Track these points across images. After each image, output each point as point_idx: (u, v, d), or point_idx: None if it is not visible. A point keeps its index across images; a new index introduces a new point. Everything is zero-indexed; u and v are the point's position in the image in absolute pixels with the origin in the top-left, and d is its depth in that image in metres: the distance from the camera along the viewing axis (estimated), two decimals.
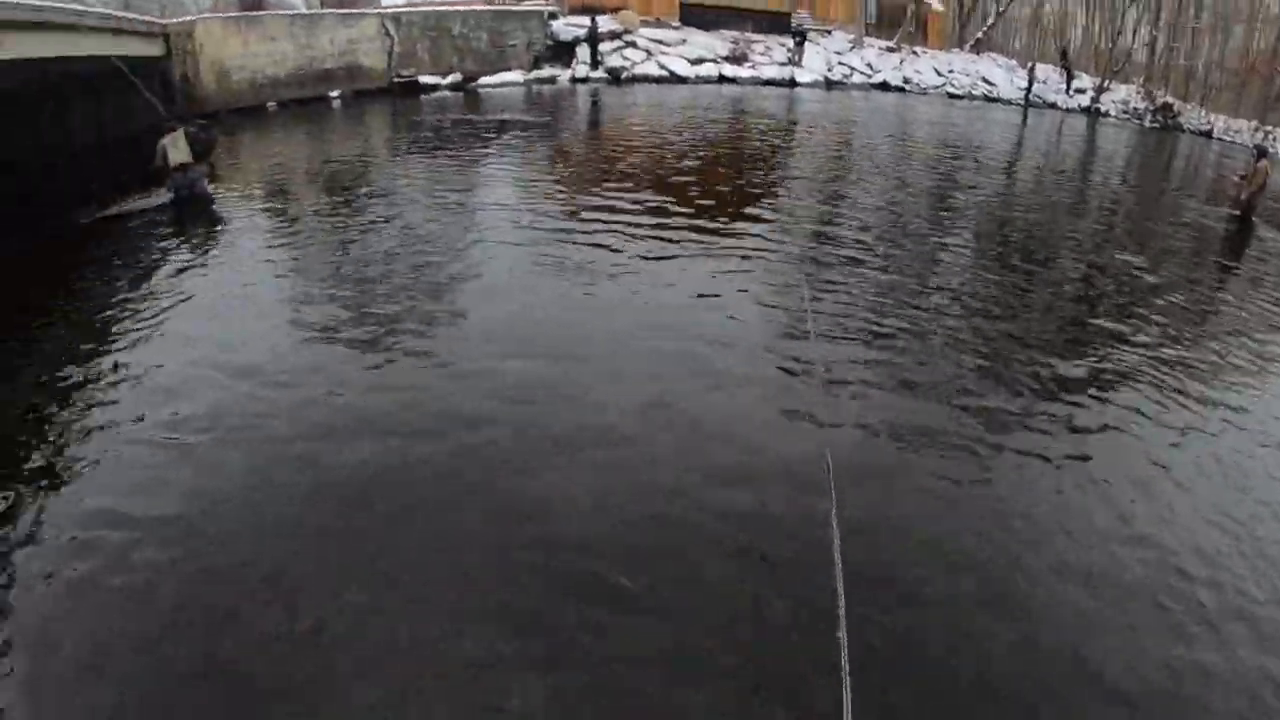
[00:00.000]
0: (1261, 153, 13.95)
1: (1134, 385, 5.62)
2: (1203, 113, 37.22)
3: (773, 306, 6.16)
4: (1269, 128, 39.88)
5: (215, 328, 5.72)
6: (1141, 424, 5.07)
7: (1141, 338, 6.52)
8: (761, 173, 11.10)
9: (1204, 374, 5.99)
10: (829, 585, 3.17)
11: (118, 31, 13.48)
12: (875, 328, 6.00)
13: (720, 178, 10.47)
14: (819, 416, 4.61)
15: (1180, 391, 5.58)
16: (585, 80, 18.84)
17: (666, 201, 8.92)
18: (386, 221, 8.23)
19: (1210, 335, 6.99)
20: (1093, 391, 5.43)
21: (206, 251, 7.60)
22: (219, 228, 8.49)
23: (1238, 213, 13.50)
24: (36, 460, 4.12)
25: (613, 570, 3.33)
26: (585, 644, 3.01)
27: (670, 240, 7.59)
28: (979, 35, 30.77)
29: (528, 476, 3.94)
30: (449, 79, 18.79)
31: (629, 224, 7.98)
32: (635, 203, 8.77)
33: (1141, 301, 7.60)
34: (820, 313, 6.06)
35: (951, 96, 23.54)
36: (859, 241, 8.28)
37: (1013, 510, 4.02)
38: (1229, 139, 36.87)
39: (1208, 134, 35.80)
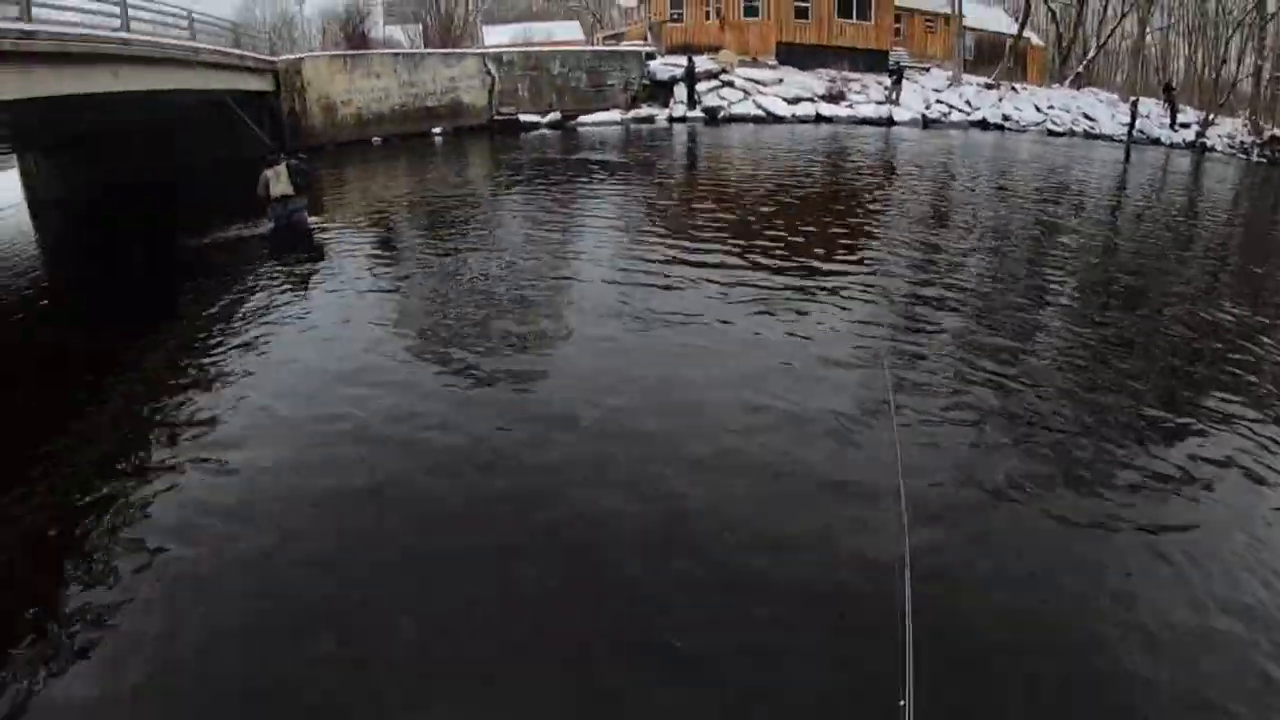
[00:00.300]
0: None
1: (1241, 450, 5.08)
2: None
3: (849, 366, 5.85)
4: None
5: (307, 353, 6.08)
6: (1249, 491, 4.63)
7: (1253, 397, 6.02)
8: (856, 218, 10.95)
9: None
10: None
11: (231, 68, 14.53)
12: (965, 391, 5.67)
13: (814, 223, 10.37)
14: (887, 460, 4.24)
15: None
16: (683, 119, 19.30)
17: (756, 247, 8.84)
18: (482, 257, 8.40)
19: None
20: (1197, 455, 4.97)
21: (304, 281, 8.01)
22: (317, 258, 8.87)
23: None
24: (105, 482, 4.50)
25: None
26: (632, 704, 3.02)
27: (758, 288, 7.44)
28: (1079, 70, 30.45)
29: (595, 526, 3.97)
30: (548, 117, 19.46)
31: (717, 271, 7.91)
32: (725, 249, 8.72)
33: (1253, 358, 7.02)
34: (903, 381, 5.64)
35: (1051, 134, 23.35)
36: (953, 291, 8.01)
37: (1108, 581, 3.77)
38: None
39: None
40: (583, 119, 19.57)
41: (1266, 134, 32.50)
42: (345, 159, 15.99)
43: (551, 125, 19.44)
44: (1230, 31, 33.86)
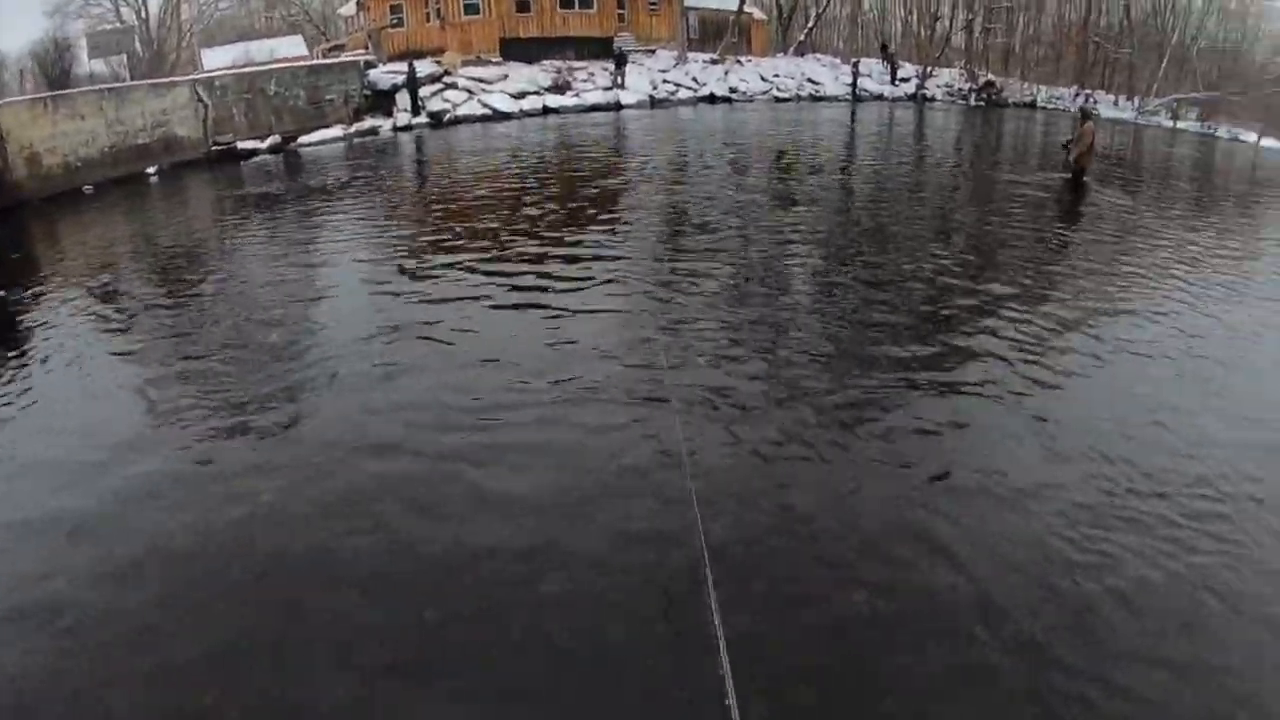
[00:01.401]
0: (1085, 115, 15.96)
1: (995, 351, 6.36)
2: (1024, 85, 41.81)
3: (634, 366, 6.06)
4: (1087, 90, 45.15)
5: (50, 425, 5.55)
6: (1011, 382, 5.78)
7: (997, 305, 7.44)
8: (595, 203, 11.35)
9: (1057, 336, 6.78)
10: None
11: None
12: (732, 337, 6.47)
13: (554, 216, 10.67)
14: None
15: (1038, 359, 6.27)
16: (408, 128, 19.70)
17: (503, 245, 9.11)
18: (213, 300, 8.02)
19: (1057, 292, 8.01)
20: (961, 359, 6.16)
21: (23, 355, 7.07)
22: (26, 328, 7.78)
23: (1069, 175, 15.38)
24: None
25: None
26: None
27: (517, 280, 7.80)
28: (801, 38, 33.90)
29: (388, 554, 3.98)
30: (268, 142, 19.40)
31: (471, 274, 8.10)
32: (474, 252, 8.87)
33: (992, 269, 8.65)
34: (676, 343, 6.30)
35: (778, 100, 25.94)
36: (707, 250, 8.87)
37: (907, 468, 4.61)
38: (1051, 106, 41.52)
39: (1031, 105, 40.13)
40: (304, 139, 19.69)
41: (981, 80, 37.63)
42: (55, 214, 15.13)
43: (272, 149, 19.37)
44: None
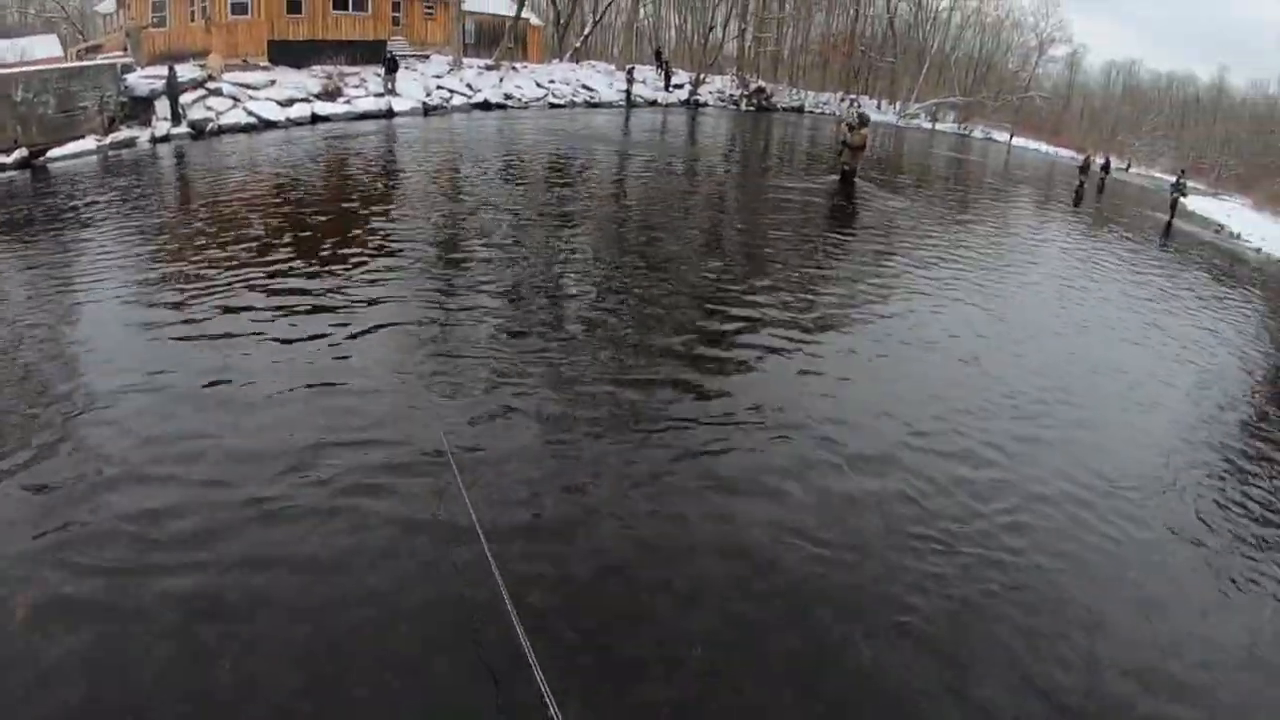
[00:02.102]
0: (864, 120, 18.26)
1: (770, 328, 8.14)
2: (793, 91, 46.29)
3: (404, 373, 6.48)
4: (852, 95, 50.40)
5: None
6: (783, 355, 7.49)
7: (768, 296, 9.14)
8: (363, 220, 11.20)
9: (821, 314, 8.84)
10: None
11: None
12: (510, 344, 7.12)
13: (322, 233, 10.49)
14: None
15: (807, 328, 8.25)
16: (167, 139, 19.30)
17: (271, 275, 8.68)
18: None
19: (827, 279, 10.09)
20: (735, 340, 7.72)
21: None
22: None
23: (840, 176, 17.95)
24: None
25: None
26: None
27: (295, 299, 7.86)
28: (577, 45, 36.27)
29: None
30: (14, 156, 17.99)
31: (231, 313, 7.63)
32: (233, 286, 8.32)
33: (765, 265, 10.55)
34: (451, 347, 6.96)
35: (553, 107, 27.83)
36: (485, 261, 9.48)
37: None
38: (818, 111, 46.17)
39: (799, 109, 44.47)
40: (54, 153, 18.78)
41: (752, 86, 41.42)
42: None
43: (19, 165, 18.03)
44: (717, 1, 42.53)
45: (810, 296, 9.49)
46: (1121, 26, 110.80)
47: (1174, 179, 28.70)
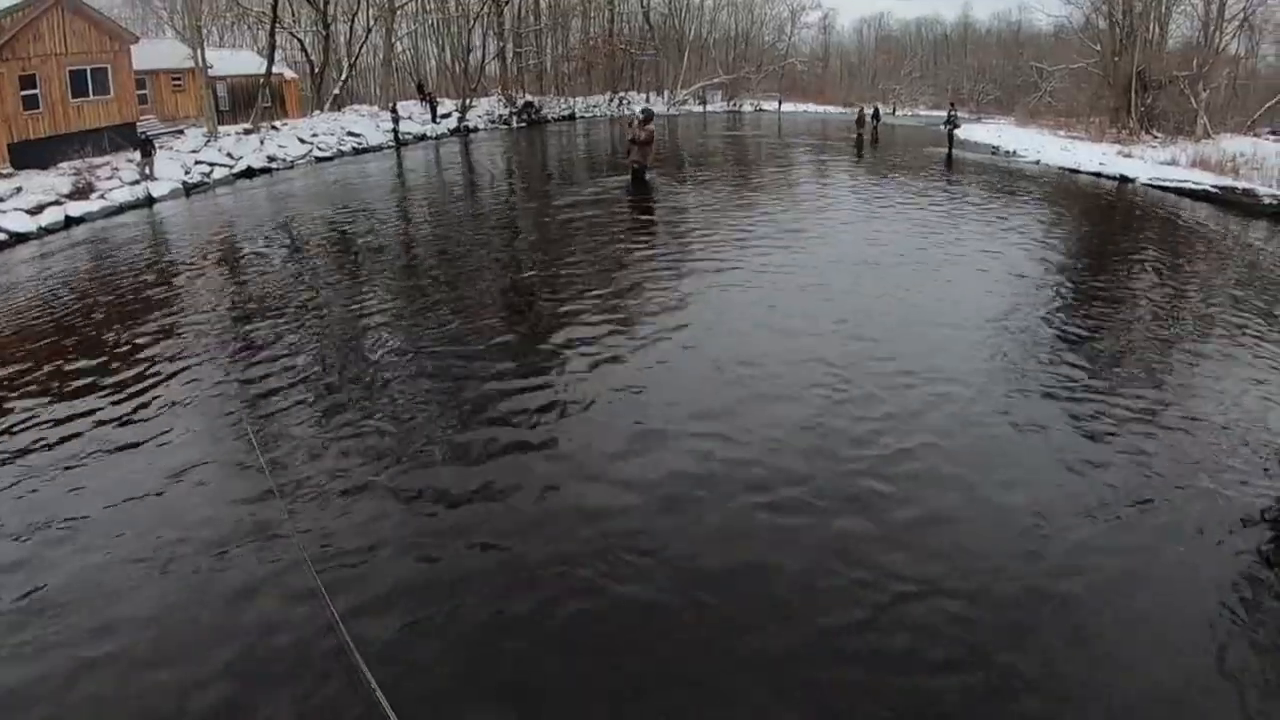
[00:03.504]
0: (648, 116, 19.08)
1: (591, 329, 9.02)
2: (562, 100, 48.08)
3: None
4: (621, 94, 52.65)
5: None
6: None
7: (579, 296, 10.18)
8: (142, 330, 10.06)
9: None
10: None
11: None
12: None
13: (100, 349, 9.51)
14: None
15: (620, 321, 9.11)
16: None
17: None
18: None
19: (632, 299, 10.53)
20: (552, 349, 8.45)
21: None
22: None
23: (631, 174, 18.97)
24: None
25: None
26: None
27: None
28: (336, 92, 36.57)
29: None
30: None
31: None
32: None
33: (571, 274, 11.44)
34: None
35: (321, 160, 27.93)
36: (303, 347, 9.04)
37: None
38: (590, 115, 48.14)
39: (571, 117, 46.29)
40: None
41: (520, 102, 42.82)
42: None
43: None
44: (471, 24, 43.49)
45: (623, 302, 10.22)
46: None
47: (945, 114, 32.10)
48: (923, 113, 71.06)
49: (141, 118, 27.53)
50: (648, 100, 53.89)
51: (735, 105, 60.58)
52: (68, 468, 6.47)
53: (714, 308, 9.90)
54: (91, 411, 7.60)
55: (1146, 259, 13.82)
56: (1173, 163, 26.29)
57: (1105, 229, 17.07)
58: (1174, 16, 37.21)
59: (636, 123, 19.08)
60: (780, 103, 65.48)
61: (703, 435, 6.52)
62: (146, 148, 23.71)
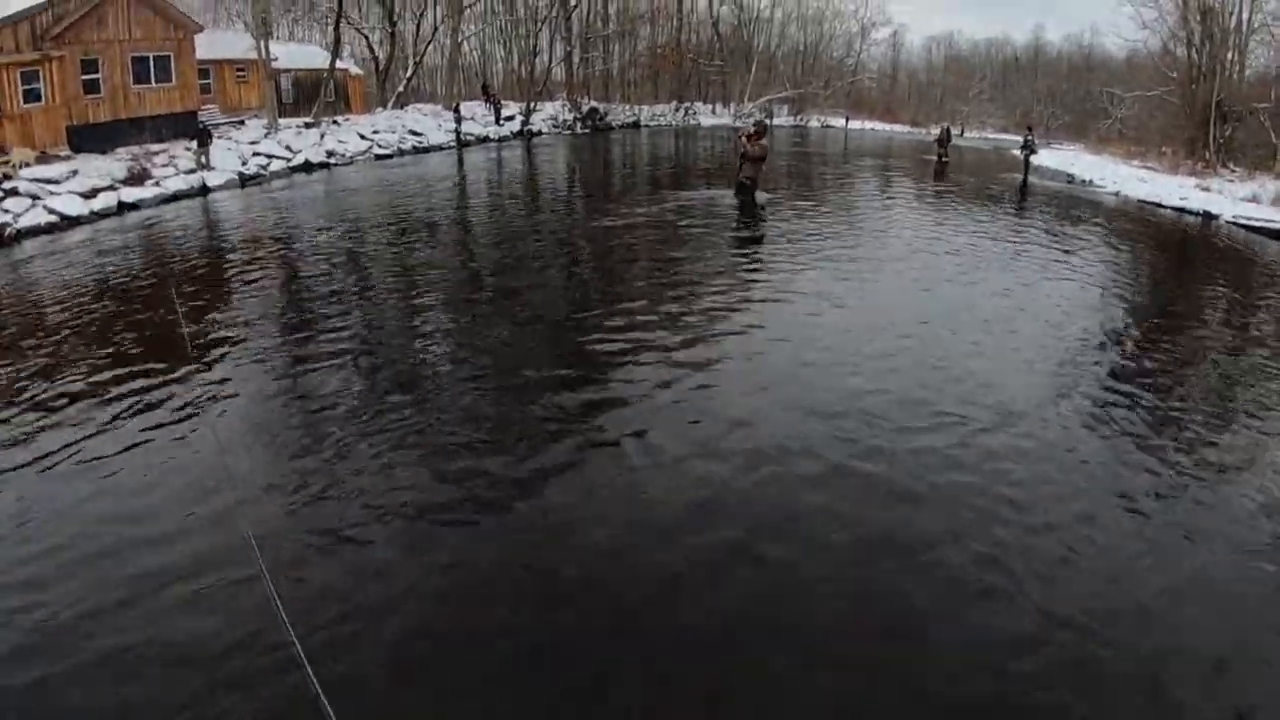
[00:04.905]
0: (760, 130, 17.56)
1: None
2: (627, 108, 47.10)
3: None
4: (687, 104, 51.55)
5: None
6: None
7: (653, 304, 9.89)
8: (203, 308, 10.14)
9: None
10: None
11: None
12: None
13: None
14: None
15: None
16: None
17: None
18: None
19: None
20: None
21: None
22: None
23: (738, 186, 17.66)
24: None
25: None
26: None
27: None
28: (400, 90, 36.01)
29: None
30: None
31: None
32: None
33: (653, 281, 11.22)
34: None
35: (379, 158, 27.34)
36: (348, 350, 8.56)
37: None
38: (654, 124, 47.11)
39: (635, 125, 45.27)
40: None
41: (585, 108, 41.93)
42: None
43: None
44: (539, 27, 42.78)
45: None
46: (938, 3, 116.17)
47: (1022, 138, 30.57)
48: (990, 135, 69.07)
49: (203, 107, 26.95)
50: (713, 112, 52.81)
51: (802, 120, 59.11)
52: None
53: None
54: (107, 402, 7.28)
55: (1238, 302, 12.98)
56: (1254, 199, 24.47)
57: (1197, 271, 15.77)
58: (1252, 45, 35.02)
59: (748, 135, 17.57)
60: (847, 120, 63.90)
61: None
62: (203, 137, 23.33)
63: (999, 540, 5.24)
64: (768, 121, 21.46)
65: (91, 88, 24.60)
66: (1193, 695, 4.09)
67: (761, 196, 17.97)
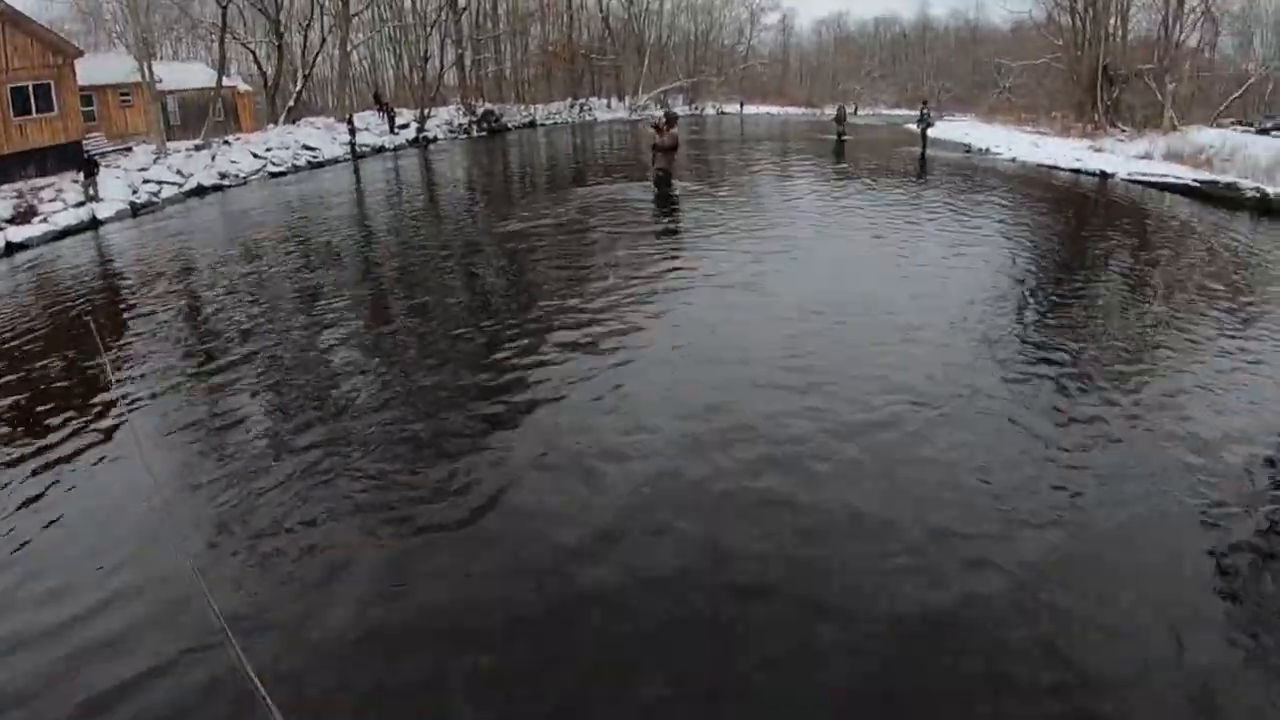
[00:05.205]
0: (670, 120, 17.99)
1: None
2: (522, 108, 47.34)
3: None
4: (582, 100, 51.98)
5: None
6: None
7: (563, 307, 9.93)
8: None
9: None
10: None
11: None
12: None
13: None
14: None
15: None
16: None
17: None
18: None
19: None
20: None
21: None
22: None
23: (656, 179, 18.07)
24: None
25: None
26: None
27: None
28: (291, 104, 35.60)
29: None
30: None
31: None
32: None
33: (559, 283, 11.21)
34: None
35: (274, 175, 26.91)
36: (261, 376, 8.42)
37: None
38: (550, 122, 47.46)
39: (531, 124, 45.62)
40: None
41: (480, 110, 42.04)
42: None
43: None
44: (428, 31, 42.63)
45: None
46: None
47: (918, 113, 31.86)
48: (884, 112, 71.22)
49: (88, 135, 26.42)
50: (609, 106, 53.37)
51: (697, 109, 60.15)
52: None
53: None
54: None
55: (1140, 254, 14.00)
56: (1146, 156, 26.14)
57: (1100, 228, 16.74)
58: (1133, 10, 37.20)
59: (659, 126, 17.90)
60: (742, 105, 65.24)
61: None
62: (90, 167, 22.74)
63: (948, 501, 5.54)
64: (676, 111, 21.71)
65: None
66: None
67: (677, 185, 18.39)
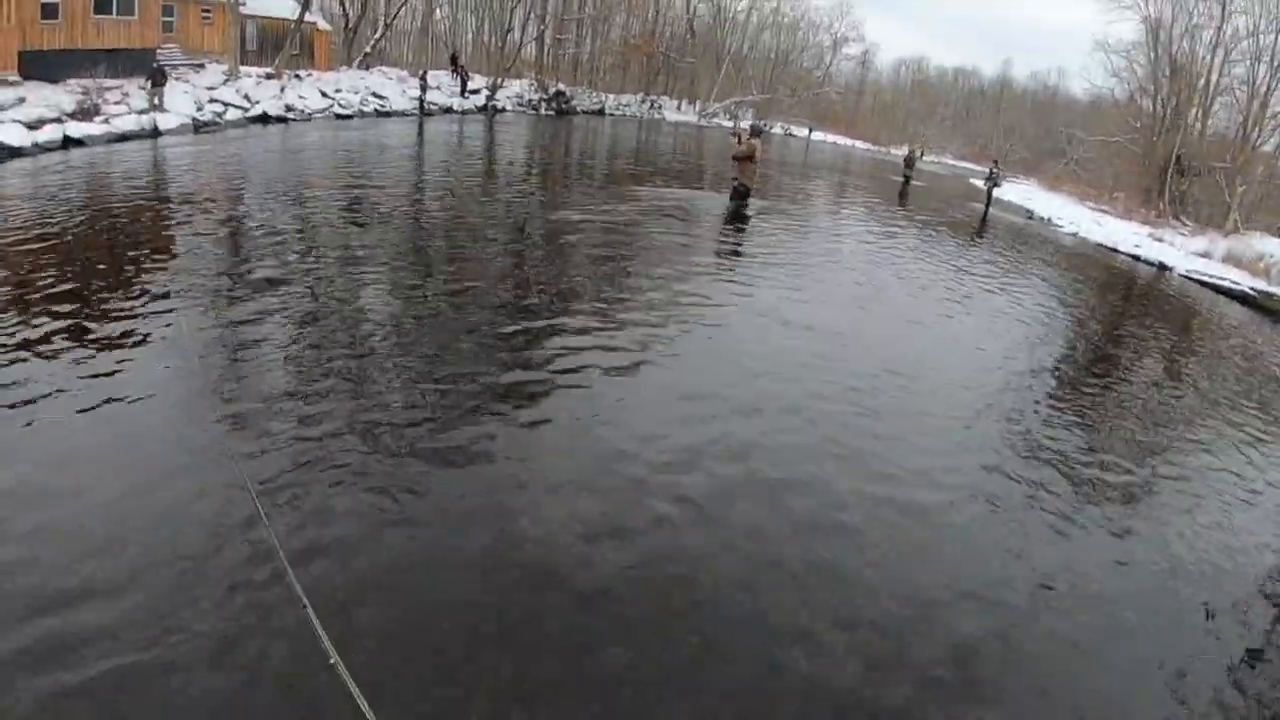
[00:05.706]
0: (754, 132, 17.48)
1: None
2: (593, 94, 47.09)
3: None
4: (653, 96, 51.63)
5: None
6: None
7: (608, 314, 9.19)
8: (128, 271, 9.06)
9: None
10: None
11: None
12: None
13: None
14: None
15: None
16: None
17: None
18: None
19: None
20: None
21: None
22: None
23: (733, 190, 17.21)
24: None
25: None
26: None
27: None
28: (367, 50, 35.47)
29: None
30: None
31: None
32: None
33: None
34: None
35: (340, 117, 26.95)
36: (293, 313, 8.12)
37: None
38: (619, 113, 47.19)
39: (600, 112, 45.37)
40: None
41: (552, 90, 41.82)
42: None
43: None
44: (514, 3, 42.44)
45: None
46: (911, 27, 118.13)
47: (987, 170, 31.34)
48: (949, 161, 70.54)
49: (164, 45, 26.28)
50: (679, 108, 53.05)
51: (765, 125, 59.72)
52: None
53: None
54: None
55: (1184, 350, 13.79)
56: (1205, 255, 25.65)
57: (1152, 319, 16.16)
58: (1216, 106, 36.57)
59: (739, 134, 17.29)
60: (811, 130, 64.67)
61: None
62: (158, 77, 22.76)
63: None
64: (761, 124, 21.18)
65: (49, 12, 23.59)
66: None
67: (753, 205, 17.42)
